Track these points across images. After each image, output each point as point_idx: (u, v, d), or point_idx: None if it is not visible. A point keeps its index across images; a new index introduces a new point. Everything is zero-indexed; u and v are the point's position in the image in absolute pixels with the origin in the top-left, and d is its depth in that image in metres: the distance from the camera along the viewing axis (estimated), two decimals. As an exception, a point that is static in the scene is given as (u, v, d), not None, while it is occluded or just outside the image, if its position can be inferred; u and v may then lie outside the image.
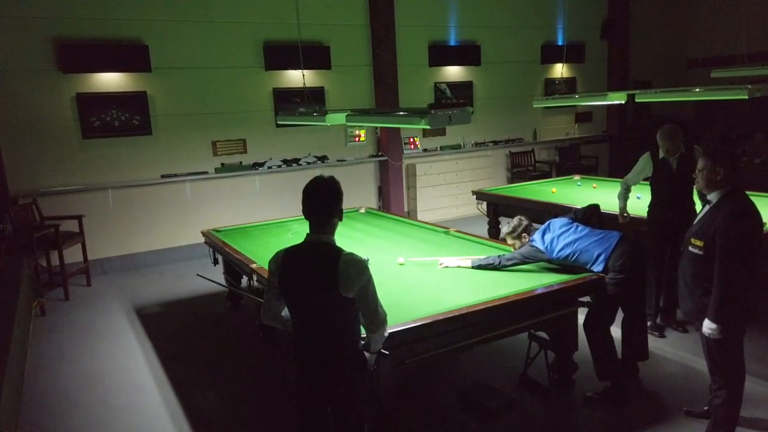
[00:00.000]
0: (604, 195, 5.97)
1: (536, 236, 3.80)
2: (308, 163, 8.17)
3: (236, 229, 5.61)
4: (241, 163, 7.75)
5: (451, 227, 5.14)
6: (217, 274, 5.35)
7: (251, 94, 7.70)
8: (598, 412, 3.53)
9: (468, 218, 8.68)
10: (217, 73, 7.43)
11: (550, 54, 10.07)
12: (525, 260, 3.76)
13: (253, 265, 4.12)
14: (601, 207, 4.13)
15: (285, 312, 2.51)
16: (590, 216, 3.95)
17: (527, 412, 3.58)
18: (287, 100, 7.83)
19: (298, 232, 5.19)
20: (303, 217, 2.36)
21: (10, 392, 2.86)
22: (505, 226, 4.08)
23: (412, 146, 8.98)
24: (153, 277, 6.86)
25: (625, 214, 4.78)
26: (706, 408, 3.35)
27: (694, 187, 3.23)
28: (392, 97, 8.42)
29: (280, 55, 7.63)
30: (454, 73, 9.27)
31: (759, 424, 3.31)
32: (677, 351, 4.27)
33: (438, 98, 9.10)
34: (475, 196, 6.87)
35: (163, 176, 7.26)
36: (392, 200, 8.65)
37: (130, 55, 6.82)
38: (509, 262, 3.77)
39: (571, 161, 10.35)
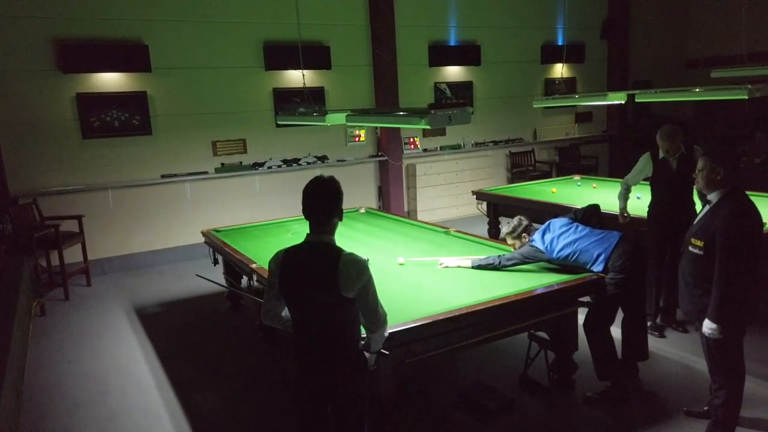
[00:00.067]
0: (604, 195, 5.97)
1: (536, 236, 3.80)
2: (308, 163, 8.17)
3: (236, 229, 5.61)
4: (241, 163, 7.75)
5: (451, 227, 5.14)
6: (217, 274, 5.35)
7: (251, 94, 7.70)
8: (598, 412, 3.53)
9: (468, 218, 8.68)
10: (217, 73, 7.43)
11: (550, 54, 10.07)
12: (525, 260, 3.76)
13: (253, 265, 4.12)
14: (601, 207, 4.13)
15: (285, 312, 2.51)
16: (590, 216, 3.95)
17: (527, 412, 3.58)
18: (287, 100, 7.83)
19: (298, 232, 5.19)
20: (303, 217, 2.36)
21: (10, 392, 2.86)
22: (505, 226, 4.08)
23: (412, 146, 8.99)
24: (153, 277, 6.86)
25: (626, 215, 4.78)
26: (706, 408, 3.35)
27: (694, 187, 3.23)
28: (392, 97, 8.42)
29: (280, 55, 7.63)
30: (454, 73, 9.27)
31: (759, 424, 3.32)
32: (677, 351, 4.27)
33: (438, 98, 9.10)
34: (475, 196, 6.87)
35: (163, 176, 7.26)
36: (392, 200, 8.66)
37: (130, 55, 6.83)
38: (509, 262, 3.77)
39: (571, 161, 10.35)
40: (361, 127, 8.45)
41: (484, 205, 6.76)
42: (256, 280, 4.07)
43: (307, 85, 7.30)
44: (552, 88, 10.23)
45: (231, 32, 7.44)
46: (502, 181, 9.71)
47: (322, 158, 8.29)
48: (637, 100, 5.22)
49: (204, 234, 5.49)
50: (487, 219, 6.74)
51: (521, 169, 9.91)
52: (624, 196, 4.81)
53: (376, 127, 8.57)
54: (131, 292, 6.33)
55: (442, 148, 9.27)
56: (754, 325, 3.79)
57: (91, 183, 6.89)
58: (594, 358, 3.61)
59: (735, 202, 2.92)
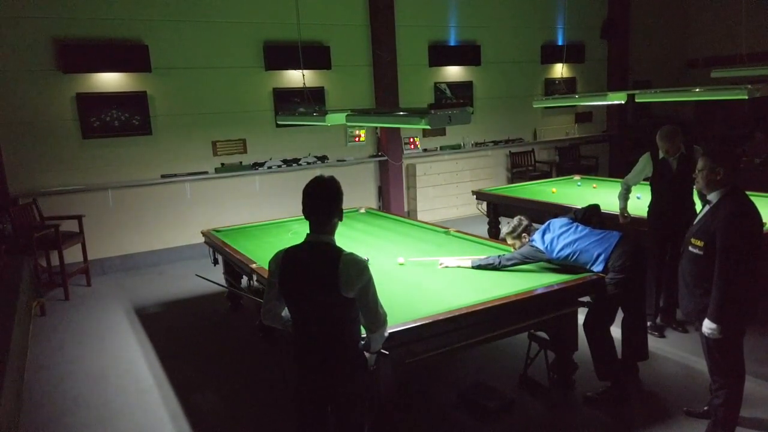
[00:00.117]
0: (604, 195, 5.97)
1: (536, 236, 3.80)
2: (308, 163, 8.17)
3: (236, 229, 5.61)
4: (241, 163, 7.75)
5: (451, 227, 5.14)
6: (217, 274, 5.35)
7: (251, 94, 7.70)
8: (598, 412, 3.53)
9: (468, 218, 8.68)
10: (217, 73, 7.43)
11: (550, 54, 10.07)
12: (525, 260, 3.76)
13: (253, 265, 4.12)
14: (601, 207, 4.13)
15: (285, 312, 2.51)
16: (590, 216, 3.95)
17: (527, 412, 3.58)
18: (287, 100, 7.83)
19: (298, 232, 5.19)
20: (303, 217, 2.36)
21: (10, 392, 2.86)
22: (505, 226, 4.08)
23: (412, 146, 8.99)
24: (153, 277, 6.86)
25: (626, 215, 4.78)
26: (706, 408, 3.35)
27: (694, 187, 3.23)
28: (392, 97, 8.42)
29: (280, 55, 7.63)
30: (454, 73, 9.27)
31: (759, 424, 3.32)
32: (677, 351, 4.27)
33: (438, 98, 9.10)
34: (475, 196, 6.87)
35: (163, 176, 7.26)
36: (392, 200, 8.66)
37: (130, 55, 6.83)
38: (509, 262, 3.77)
39: (571, 161, 10.35)
40: (361, 127, 8.45)
41: (484, 205, 6.76)
42: (256, 280, 4.07)
43: (307, 85, 7.30)
44: (552, 88, 10.23)
45: (231, 32, 7.44)
46: (502, 181, 9.71)
47: (322, 158, 8.29)
48: (637, 100, 5.22)
49: (204, 234, 5.49)
50: (487, 219, 6.74)
51: (521, 169, 9.91)
52: (624, 197, 4.82)
53: (376, 127, 8.57)
54: (131, 292, 6.33)
55: (442, 148, 9.27)
56: (754, 325, 3.80)
57: (91, 183, 6.89)
58: (594, 358, 3.61)
59: (735, 202, 2.92)
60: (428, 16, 8.90)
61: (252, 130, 7.76)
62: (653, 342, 4.28)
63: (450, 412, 3.61)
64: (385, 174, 8.70)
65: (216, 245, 5.12)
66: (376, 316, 2.35)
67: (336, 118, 4.30)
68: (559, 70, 10.10)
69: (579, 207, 4.18)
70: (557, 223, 3.82)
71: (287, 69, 7.71)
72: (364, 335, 2.44)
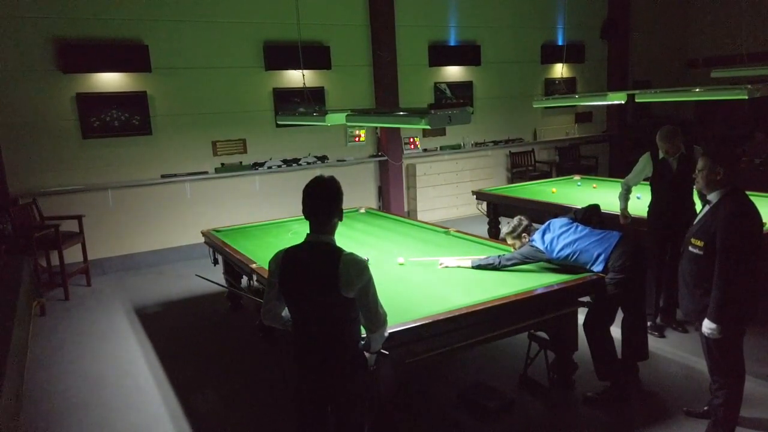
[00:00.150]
0: (604, 195, 5.97)
1: (536, 236, 3.80)
2: (308, 163, 8.17)
3: (236, 229, 5.61)
4: (241, 163, 7.75)
5: (451, 227, 5.14)
6: (217, 274, 5.35)
7: (251, 94, 7.70)
8: (598, 412, 3.53)
9: (468, 218, 8.68)
10: (217, 73, 7.43)
11: (550, 54, 10.07)
12: (525, 260, 3.76)
13: (253, 265, 4.12)
14: (601, 207, 4.12)
15: (285, 312, 2.51)
16: (590, 216, 3.94)
17: (527, 412, 3.58)
18: (287, 100, 7.83)
19: (298, 232, 5.19)
20: (303, 217, 2.36)
21: (10, 392, 2.86)
22: (505, 226, 4.08)
23: (412, 146, 8.98)
24: (153, 277, 6.86)
25: (626, 215, 4.78)
26: (706, 408, 3.35)
27: (694, 187, 3.23)
28: (392, 97, 8.42)
29: (280, 55, 7.63)
30: (454, 73, 9.27)
31: (759, 424, 3.32)
32: (677, 351, 4.27)
33: (438, 98, 9.10)
34: (475, 196, 6.87)
35: (163, 176, 7.26)
36: (392, 200, 8.66)
37: (130, 55, 6.83)
38: (509, 262, 3.77)
39: (571, 161, 10.35)
40: (361, 127, 8.45)
41: (484, 205, 6.76)
42: (256, 280, 4.07)
43: (307, 85, 7.30)
44: (552, 88, 10.23)
45: (231, 32, 7.44)
46: (502, 181, 9.71)
47: (322, 158, 8.29)
48: (637, 100, 5.22)
49: (204, 234, 5.49)
50: (487, 219, 6.74)
51: (521, 169, 9.91)
52: (624, 197, 4.82)
53: (376, 127, 8.57)
54: (131, 292, 6.33)
55: (442, 148, 9.27)
56: (754, 325, 3.79)
57: (91, 183, 6.89)
58: (594, 358, 3.61)
59: (735, 202, 2.92)
60: (428, 16, 8.90)
61: (252, 130, 7.76)
62: (653, 342, 4.28)
63: (450, 412, 3.61)
64: (385, 174, 8.70)
65: (216, 245, 5.12)
66: (376, 316, 2.35)
67: (336, 118, 4.30)
68: (559, 70, 10.10)
69: (579, 207, 4.17)
70: (557, 223, 3.82)
71: (287, 69, 7.71)
72: (364, 335, 2.44)
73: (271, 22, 7.63)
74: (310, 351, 2.38)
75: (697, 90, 4.59)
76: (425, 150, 9.12)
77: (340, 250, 2.32)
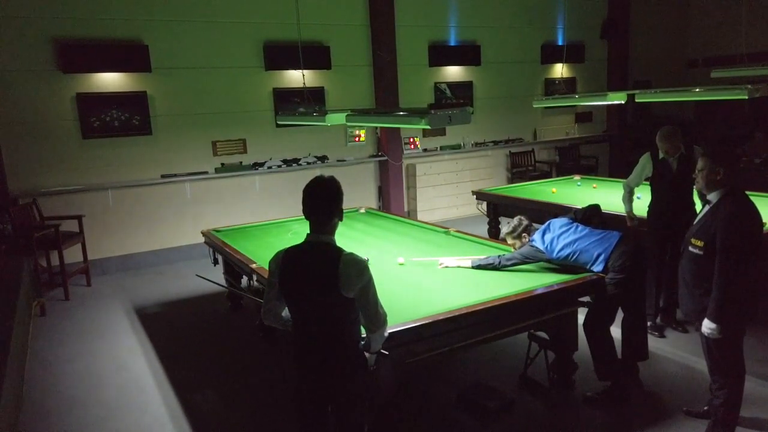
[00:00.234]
0: (604, 195, 5.98)
1: (536, 236, 3.80)
2: (308, 163, 8.17)
3: (236, 229, 5.61)
4: (241, 163, 7.75)
5: (451, 227, 5.14)
6: (217, 274, 5.35)
7: (251, 94, 7.70)
8: (598, 412, 3.53)
9: (468, 218, 8.68)
10: (217, 73, 7.43)
11: (550, 54, 10.07)
12: (525, 260, 3.76)
13: (253, 265, 4.12)
14: (602, 207, 4.12)
15: (285, 312, 2.51)
16: (591, 216, 3.94)
17: (527, 412, 3.58)
18: (287, 100, 7.83)
19: (298, 232, 5.19)
20: (303, 217, 2.36)
21: (10, 392, 2.86)
22: (505, 226, 4.08)
23: (412, 146, 8.98)
24: (153, 277, 6.86)
25: (633, 217, 4.76)
26: (706, 408, 3.35)
27: (694, 187, 3.23)
28: (392, 97, 8.42)
29: (280, 55, 7.63)
30: (454, 73, 9.27)
31: (759, 424, 3.32)
32: (677, 351, 4.27)
33: (438, 98, 9.10)
34: (475, 196, 6.87)
35: (163, 176, 7.26)
36: (392, 200, 8.66)
37: (130, 55, 6.82)
38: (509, 262, 3.77)
39: (571, 161, 10.35)
40: (361, 127, 8.45)
41: (484, 205, 6.76)
42: (256, 280, 4.07)
43: (307, 85, 7.30)
44: (552, 88, 10.23)
45: (231, 32, 7.44)
46: (502, 181, 9.71)
47: (322, 158, 8.29)
48: (637, 100, 5.22)
49: (204, 234, 5.49)
50: (487, 219, 6.74)
51: (521, 169, 9.91)
52: (628, 199, 4.80)
53: (376, 127, 8.57)
54: (131, 292, 6.33)
55: (442, 148, 9.27)
56: (754, 325, 3.80)
57: (91, 183, 6.89)
58: (594, 358, 3.61)
59: (735, 202, 2.92)
60: (428, 16, 8.90)
61: (252, 130, 7.76)
62: (653, 342, 4.28)
63: (450, 412, 3.61)
64: (385, 174, 8.70)
65: (216, 245, 5.12)
66: (376, 316, 2.35)
67: (336, 118, 4.30)
68: (559, 70, 10.10)
69: (579, 207, 4.17)
70: (557, 223, 3.82)
71: (287, 69, 7.71)
72: (364, 335, 2.44)
73: (271, 22, 7.63)
74: (310, 351, 2.38)
75: (697, 90, 4.60)
76: (425, 150, 9.12)
77: (340, 250, 2.32)
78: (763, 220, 3.09)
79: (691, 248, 3.03)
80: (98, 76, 6.77)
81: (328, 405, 2.41)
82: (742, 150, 8.73)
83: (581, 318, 3.66)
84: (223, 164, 7.64)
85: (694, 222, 3.13)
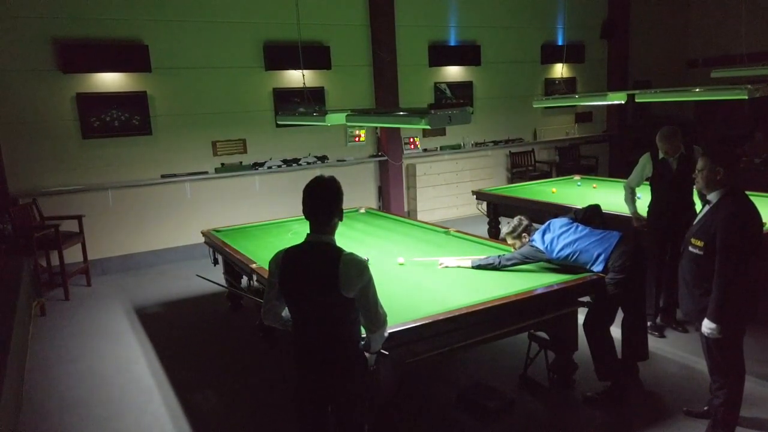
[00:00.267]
0: (604, 195, 5.98)
1: (536, 236, 3.80)
2: (308, 163, 8.17)
3: (236, 229, 5.61)
4: (241, 163, 7.75)
5: (451, 227, 5.14)
6: (217, 274, 5.35)
7: (251, 94, 7.70)
8: (598, 412, 3.53)
9: (468, 218, 8.68)
10: (217, 73, 7.43)
11: (550, 54, 10.07)
12: (525, 260, 3.76)
13: (253, 265, 4.12)
14: (602, 207, 4.12)
15: (285, 312, 2.51)
16: (591, 216, 3.94)
17: (527, 412, 3.58)
18: (287, 100, 7.83)
19: (298, 232, 5.19)
20: (303, 217, 2.36)
21: (10, 392, 2.86)
22: (505, 226, 4.08)
23: (412, 146, 8.98)
24: (153, 277, 6.86)
25: (638, 217, 4.74)
26: (706, 408, 3.35)
27: (694, 187, 3.23)
28: (392, 97, 8.42)
29: (280, 55, 7.63)
30: (454, 73, 9.27)
31: (759, 424, 3.32)
32: (677, 351, 4.27)
33: (438, 98, 9.10)
34: (475, 196, 6.87)
35: (163, 176, 7.26)
36: (392, 200, 8.66)
37: (130, 55, 6.82)
38: (509, 262, 3.77)
39: (571, 161, 10.35)
40: (361, 127, 8.45)
41: (484, 205, 6.76)
42: (256, 280, 4.07)
43: (307, 85, 7.30)
44: (552, 88, 10.23)
45: (231, 32, 7.44)
46: (502, 181, 9.71)
47: (322, 158, 8.29)
48: (637, 100, 5.22)
49: (204, 234, 5.49)
50: (487, 219, 6.74)
51: (521, 169, 9.91)
52: (631, 200, 4.77)
53: (376, 127, 8.57)
54: (131, 292, 6.33)
55: (442, 148, 9.27)
56: (754, 325, 3.80)
57: (91, 183, 6.89)
58: (594, 358, 3.61)
59: (735, 202, 2.92)
60: (428, 16, 8.90)
61: (252, 130, 7.76)
62: (653, 342, 4.28)
63: (450, 412, 3.61)
64: (385, 174, 8.70)
65: (216, 245, 5.12)
66: (376, 316, 2.35)
67: (336, 118, 4.30)
68: (559, 70, 10.10)
69: (579, 207, 4.17)
70: (557, 223, 3.82)
71: (287, 69, 7.71)
72: (364, 335, 2.44)
73: (271, 22, 7.63)
74: (310, 351, 2.38)
75: (697, 90, 4.60)
76: (425, 150, 9.12)
77: (340, 250, 2.32)
78: (763, 220, 3.09)
79: (691, 248, 3.03)
80: (98, 76, 6.77)
81: (328, 405, 2.41)
82: (742, 150, 8.72)
83: (581, 318, 3.66)
84: (223, 164, 7.64)
85: (694, 222, 3.13)
